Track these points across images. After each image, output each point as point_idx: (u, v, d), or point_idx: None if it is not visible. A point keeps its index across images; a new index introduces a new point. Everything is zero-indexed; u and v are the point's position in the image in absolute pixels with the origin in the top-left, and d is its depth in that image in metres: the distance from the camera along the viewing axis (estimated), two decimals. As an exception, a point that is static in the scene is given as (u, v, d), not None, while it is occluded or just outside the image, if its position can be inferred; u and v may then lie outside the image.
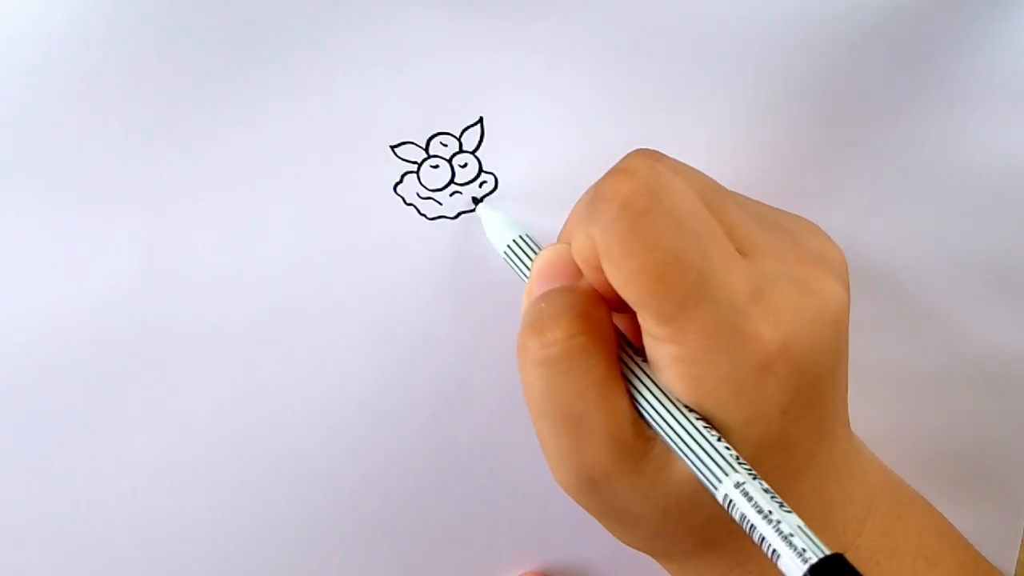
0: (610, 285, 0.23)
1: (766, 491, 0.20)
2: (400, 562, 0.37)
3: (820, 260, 0.24)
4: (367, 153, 0.29)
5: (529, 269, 0.27)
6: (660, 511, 0.23)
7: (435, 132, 0.29)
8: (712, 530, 0.24)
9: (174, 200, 0.29)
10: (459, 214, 0.30)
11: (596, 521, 0.25)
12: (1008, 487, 0.38)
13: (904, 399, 0.36)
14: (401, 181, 0.29)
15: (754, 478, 0.21)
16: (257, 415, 0.33)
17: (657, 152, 0.24)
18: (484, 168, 0.30)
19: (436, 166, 0.29)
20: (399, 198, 0.30)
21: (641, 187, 0.21)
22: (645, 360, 0.23)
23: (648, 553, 0.27)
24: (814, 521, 0.23)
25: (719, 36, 0.28)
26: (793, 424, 0.23)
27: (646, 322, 0.22)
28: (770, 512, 0.20)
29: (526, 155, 0.30)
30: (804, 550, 0.19)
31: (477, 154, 0.29)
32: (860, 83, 0.29)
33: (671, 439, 0.22)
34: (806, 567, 0.19)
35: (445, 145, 0.29)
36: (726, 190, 0.25)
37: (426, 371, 0.33)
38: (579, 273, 0.25)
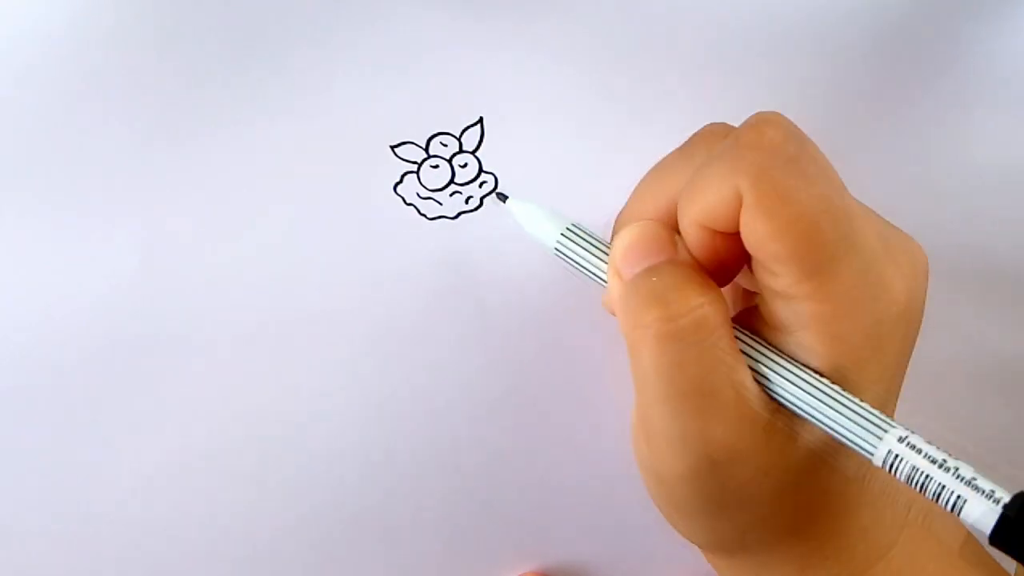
0: (714, 253, 0.22)
1: (930, 442, 0.20)
2: (400, 562, 0.37)
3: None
4: (367, 153, 0.29)
5: (585, 260, 0.26)
6: (777, 489, 0.23)
7: (435, 132, 0.29)
8: (813, 508, 0.24)
9: (174, 200, 0.29)
10: (459, 214, 0.30)
11: (678, 516, 0.24)
12: (1008, 487, 0.38)
13: (904, 399, 0.36)
14: (401, 181, 0.29)
15: (912, 432, 0.20)
16: (256, 415, 0.33)
17: None
18: (484, 168, 0.30)
19: (436, 166, 0.29)
20: (399, 198, 0.30)
21: (789, 134, 0.21)
22: (758, 333, 0.23)
23: (730, 549, 0.26)
24: (885, 496, 0.23)
25: (720, 37, 0.28)
26: (895, 381, 0.23)
27: (783, 280, 0.21)
28: (944, 460, 0.19)
29: (526, 155, 0.30)
30: (993, 491, 0.18)
31: (477, 154, 0.29)
32: (860, 84, 0.29)
33: (811, 409, 0.21)
34: (1000, 507, 0.18)
35: (445, 145, 0.29)
36: None
37: (426, 371, 0.33)
38: (674, 246, 0.23)
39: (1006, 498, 0.18)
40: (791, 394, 0.22)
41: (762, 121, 0.21)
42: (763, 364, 0.22)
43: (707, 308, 0.22)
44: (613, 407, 0.33)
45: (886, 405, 0.22)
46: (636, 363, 0.22)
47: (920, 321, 0.23)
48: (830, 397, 0.21)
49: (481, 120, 0.29)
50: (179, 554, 0.35)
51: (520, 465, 0.35)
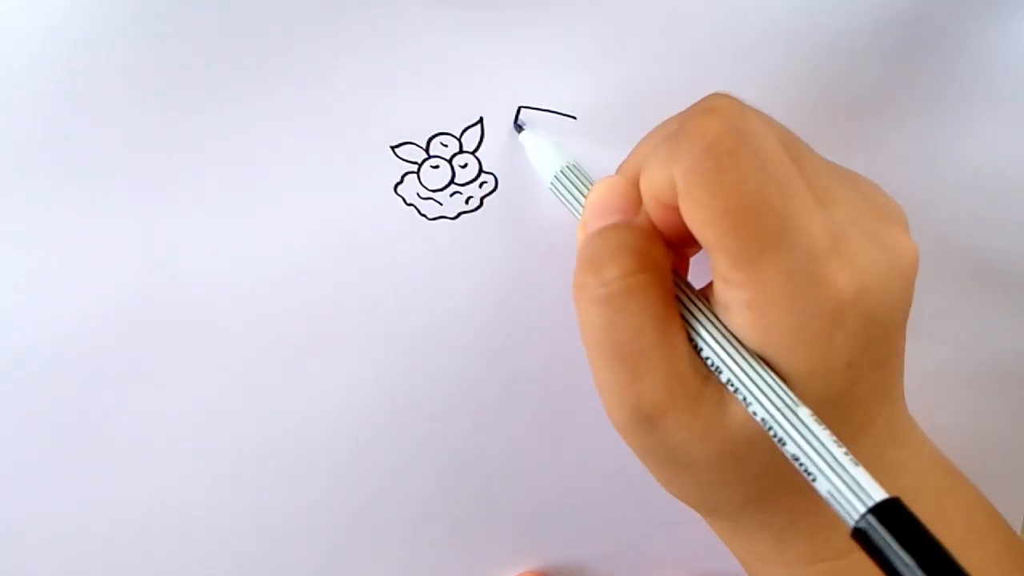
0: (671, 222, 0.23)
1: (831, 435, 0.21)
2: (400, 561, 0.37)
3: (888, 214, 0.24)
4: (367, 153, 0.29)
5: (579, 200, 0.27)
6: (715, 456, 0.23)
7: (435, 132, 0.29)
8: (767, 482, 0.24)
9: (175, 200, 0.29)
10: (459, 214, 0.30)
11: (646, 466, 0.25)
12: (1008, 487, 0.38)
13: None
14: (401, 181, 0.29)
15: (818, 422, 0.21)
16: (256, 415, 0.33)
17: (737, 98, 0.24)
18: (484, 168, 0.30)
19: (436, 166, 0.29)
20: (399, 198, 0.30)
21: (729, 128, 0.21)
22: (703, 300, 0.23)
23: (699, 508, 0.26)
24: None
25: (720, 37, 0.28)
26: (858, 381, 0.23)
27: (720, 264, 0.22)
28: (830, 457, 0.20)
29: (526, 155, 0.30)
30: (866, 503, 0.19)
31: (477, 154, 0.29)
32: (860, 83, 0.29)
33: (735, 376, 0.22)
34: (855, 519, 0.19)
35: (445, 145, 0.29)
36: (802, 140, 0.25)
37: (425, 371, 0.33)
38: (635, 207, 0.24)
39: (867, 506, 0.19)
40: (725, 363, 0.22)
41: (707, 110, 0.22)
42: (700, 334, 0.23)
43: (639, 277, 0.23)
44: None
45: (826, 403, 0.22)
46: (578, 318, 0.24)
47: (891, 320, 0.23)
48: (756, 372, 0.22)
49: (481, 120, 0.29)
50: (180, 552, 0.35)
51: (520, 465, 0.35)
